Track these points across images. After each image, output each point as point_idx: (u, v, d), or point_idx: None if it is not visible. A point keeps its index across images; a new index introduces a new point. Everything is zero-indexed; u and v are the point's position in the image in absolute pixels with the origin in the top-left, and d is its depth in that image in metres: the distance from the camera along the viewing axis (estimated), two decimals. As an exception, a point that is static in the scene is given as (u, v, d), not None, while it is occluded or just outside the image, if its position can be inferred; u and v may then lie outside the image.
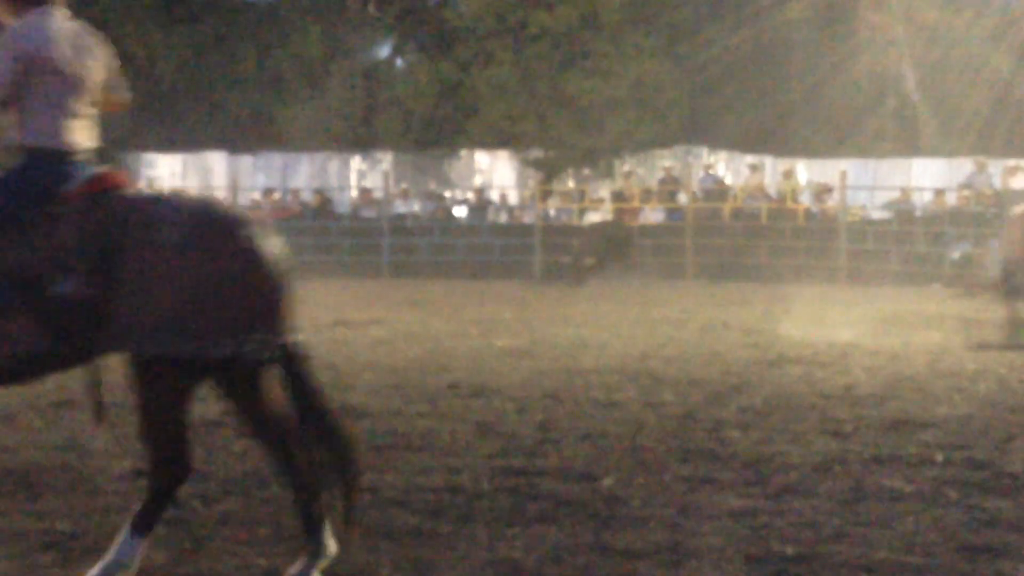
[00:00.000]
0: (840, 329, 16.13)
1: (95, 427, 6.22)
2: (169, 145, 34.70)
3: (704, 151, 32.26)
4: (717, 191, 30.03)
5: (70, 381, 11.78)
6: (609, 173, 32.42)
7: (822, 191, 28.82)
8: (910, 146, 31.71)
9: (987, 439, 8.94)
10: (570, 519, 6.89)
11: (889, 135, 31.66)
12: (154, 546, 6.39)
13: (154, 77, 35.64)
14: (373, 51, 37.85)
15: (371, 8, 36.44)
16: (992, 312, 16.37)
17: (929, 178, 29.96)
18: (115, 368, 12.35)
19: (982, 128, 30.63)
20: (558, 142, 32.33)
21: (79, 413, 10.10)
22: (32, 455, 8.49)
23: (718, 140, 32.24)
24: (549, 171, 32.82)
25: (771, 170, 30.79)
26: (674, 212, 29.55)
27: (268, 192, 33.08)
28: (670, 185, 30.66)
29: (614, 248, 25.14)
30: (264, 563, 6.11)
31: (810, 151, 31.37)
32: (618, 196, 30.45)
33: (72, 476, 7.87)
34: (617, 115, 32.15)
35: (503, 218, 31.92)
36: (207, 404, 10.39)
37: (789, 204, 28.77)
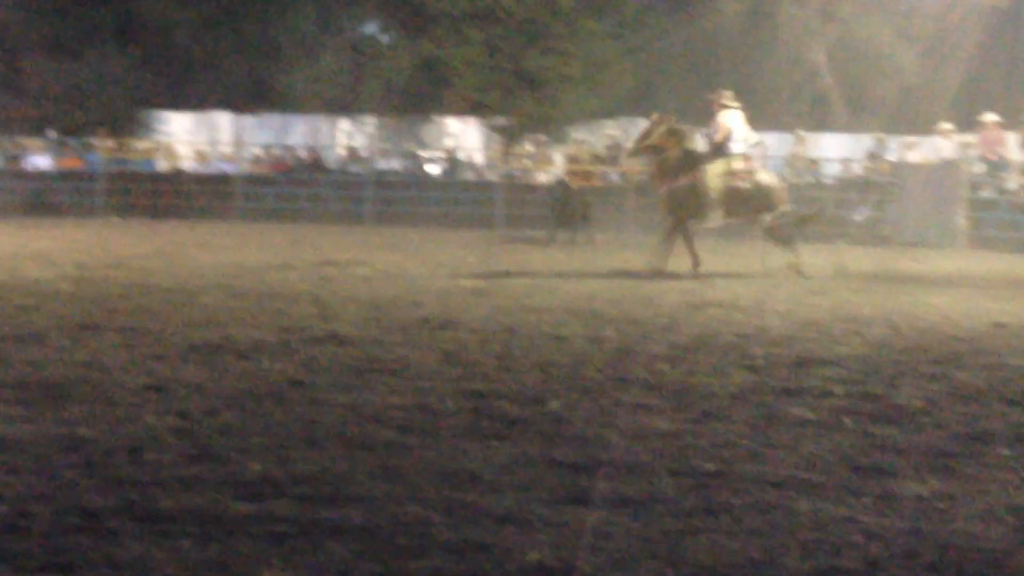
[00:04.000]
0: (755, 279, 16.19)
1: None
2: (181, 105, 34.43)
3: (644, 122, 32.21)
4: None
5: (93, 307, 11.78)
6: (562, 139, 32.36)
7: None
8: (822, 123, 31.76)
9: (879, 376, 9.00)
10: (522, 436, 6.92)
11: (804, 113, 31.70)
12: (163, 450, 6.40)
13: (169, 44, 35.30)
14: (361, 27, 37.58)
15: (360, -10, 36.15)
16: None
17: (837, 150, 30.02)
18: (131, 297, 12.33)
19: (883, 109, 30.74)
20: (519, 111, 32.27)
21: (101, 335, 10.08)
22: (58, 370, 8.47)
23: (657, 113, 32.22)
24: (510, 136, 32.77)
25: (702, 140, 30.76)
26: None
27: (267, 148, 32.91)
28: (614, 151, 30.65)
29: (570, 210, 24.98)
30: (258, 467, 6.11)
31: (737, 124, 31.37)
32: (571, 159, 30.42)
33: (93, 389, 7.85)
34: (570, 89, 32.16)
35: (470, 176, 31.86)
36: (209, 329, 10.42)
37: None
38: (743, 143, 17.13)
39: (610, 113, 32.23)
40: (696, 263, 16.56)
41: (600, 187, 28.89)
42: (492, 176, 30.97)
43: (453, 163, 32.16)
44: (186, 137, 33.84)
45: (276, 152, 32.63)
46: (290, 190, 30.34)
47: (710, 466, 6.35)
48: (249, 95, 35.30)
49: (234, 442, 6.61)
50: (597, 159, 30.46)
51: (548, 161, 30.91)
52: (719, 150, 16.92)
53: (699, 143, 17.33)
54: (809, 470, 6.33)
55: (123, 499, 5.53)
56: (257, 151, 32.84)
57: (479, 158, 33.08)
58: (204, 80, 35.55)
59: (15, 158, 31.74)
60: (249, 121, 34.47)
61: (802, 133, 28.90)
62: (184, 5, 35.63)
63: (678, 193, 16.77)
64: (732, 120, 17.14)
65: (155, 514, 5.36)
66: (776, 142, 29.48)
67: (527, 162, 31.25)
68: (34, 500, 5.48)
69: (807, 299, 13.90)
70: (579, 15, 32.16)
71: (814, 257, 17.28)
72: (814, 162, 28.75)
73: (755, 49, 32.74)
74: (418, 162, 32.42)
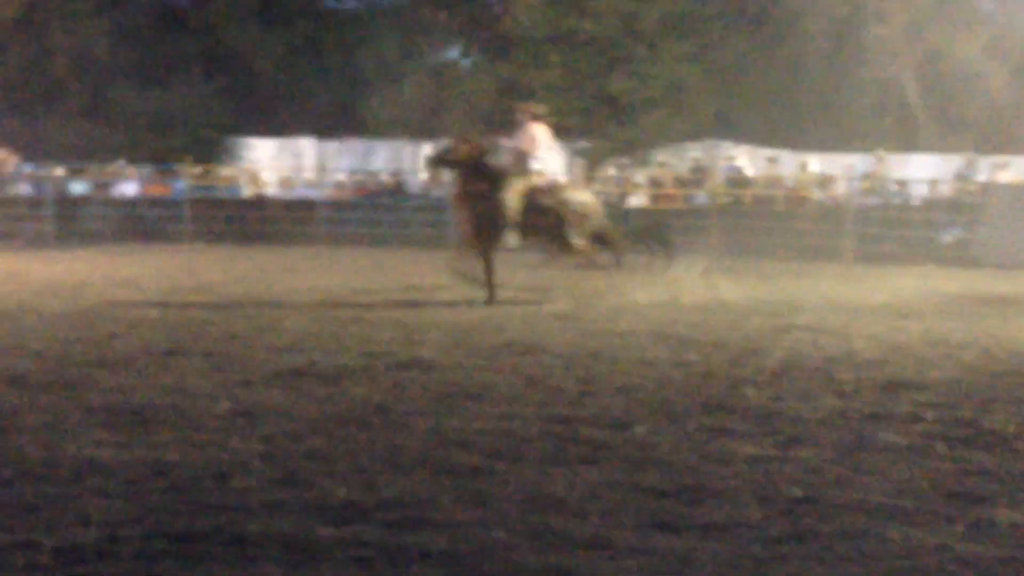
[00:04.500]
0: (845, 302, 16.05)
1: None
2: (265, 131, 34.82)
3: (728, 145, 32.08)
4: (738, 180, 29.94)
5: (180, 333, 11.92)
6: (645, 162, 32.31)
7: (828, 181, 28.73)
8: (909, 143, 31.46)
9: (972, 400, 8.88)
10: (607, 461, 6.90)
11: (890, 133, 31.42)
12: (249, 475, 6.44)
13: (254, 72, 35.76)
14: (443, 53, 37.85)
15: (442, 16, 36.40)
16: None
17: (925, 171, 29.71)
18: (217, 322, 12.44)
19: (972, 128, 30.40)
20: (601, 134, 32.27)
21: (187, 360, 10.19)
22: (146, 396, 8.56)
23: (740, 135, 32.10)
24: (593, 159, 32.77)
25: (787, 162, 30.55)
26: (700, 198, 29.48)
27: (350, 173, 33.18)
28: (698, 174, 30.61)
29: (651, 235, 24.92)
30: (343, 492, 6.14)
31: (821, 146, 31.16)
32: (653, 182, 30.42)
33: (180, 415, 7.93)
34: (652, 112, 32.09)
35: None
36: (294, 354, 10.49)
37: (802, 192, 28.62)
38: (547, 159, 16.25)
39: (693, 136, 32.14)
40: (492, 294, 15.30)
41: (684, 210, 28.80)
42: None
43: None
44: (270, 163, 34.19)
45: (359, 177, 32.87)
46: (373, 215, 30.53)
47: (798, 492, 6.30)
48: (332, 121, 35.65)
49: (319, 467, 6.65)
50: (680, 182, 30.38)
51: (631, 184, 30.88)
52: (521, 165, 15.98)
53: (504, 158, 16.27)
54: (899, 496, 6.26)
55: (210, 524, 5.58)
56: (340, 176, 33.11)
57: (561, 182, 33.10)
58: (288, 107, 35.97)
59: (103, 185, 32.23)
60: (332, 147, 34.76)
61: (882, 153, 28.67)
62: (269, 33, 36.13)
63: (480, 214, 15.59)
64: (538, 133, 16.26)
65: (242, 539, 5.40)
66: (861, 163, 29.31)
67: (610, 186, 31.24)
68: (123, 524, 5.55)
69: (896, 323, 13.75)
70: (661, 38, 32.12)
71: (902, 280, 17.06)
72: (901, 183, 28.45)
73: (840, 69, 32.55)
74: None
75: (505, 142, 16.19)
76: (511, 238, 15.78)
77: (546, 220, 15.71)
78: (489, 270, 15.52)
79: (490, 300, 15.17)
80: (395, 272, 20.43)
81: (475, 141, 15.90)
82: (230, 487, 6.24)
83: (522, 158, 15.93)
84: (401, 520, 5.71)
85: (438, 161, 16.28)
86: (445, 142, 16.35)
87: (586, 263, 16.01)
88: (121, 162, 32.21)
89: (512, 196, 15.59)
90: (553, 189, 16.02)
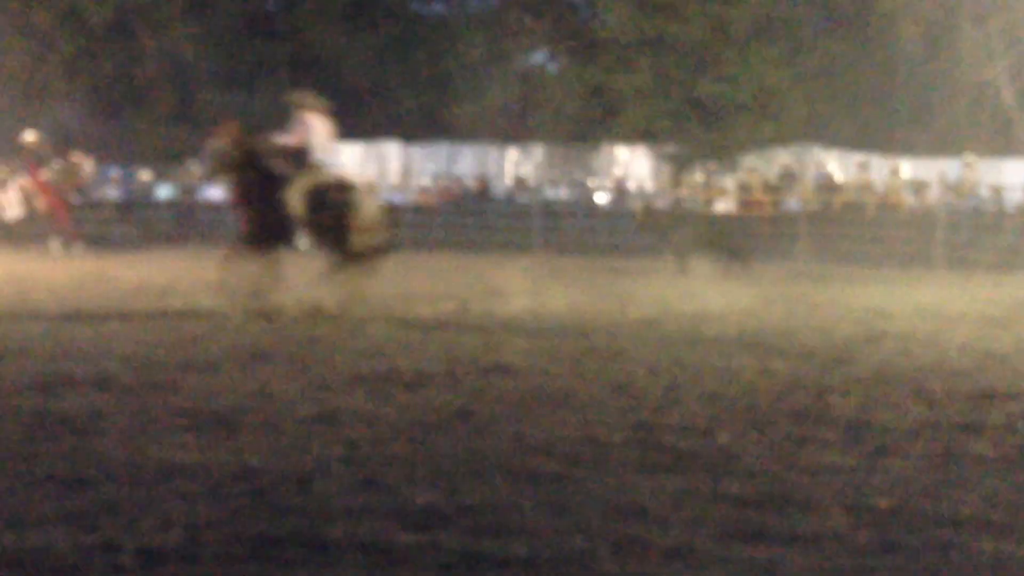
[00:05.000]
0: (936, 310, 15.86)
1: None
2: (350, 135, 35.04)
3: (818, 150, 31.81)
4: (828, 185, 29.70)
5: (264, 336, 12.03)
6: (733, 167, 32.12)
7: (921, 187, 28.41)
8: (1004, 148, 31.00)
9: (1066, 411, 8.74)
10: (690, 469, 6.87)
11: (984, 137, 30.99)
12: (330, 479, 6.49)
13: (340, 76, 36.01)
14: (529, 57, 37.90)
15: (528, 19, 36.45)
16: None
17: (1020, 176, 29.26)
18: (300, 326, 12.55)
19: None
20: (689, 139, 32.13)
21: (271, 364, 10.29)
22: (229, 399, 8.65)
23: (831, 140, 31.81)
24: (680, 164, 32.65)
25: (878, 168, 30.25)
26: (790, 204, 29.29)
27: (436, 178, 33.31)
28: (787, 180, 30.42)
29: (721, 241, 24.85)
30: (424, 498, 6.17)
31: (914, 151, 30.82)
32: (742, 188, 30.28)
33: (263, 418, 8.00)
34: (741, 116, 31.90)
35: (639, 204, 31.82)
36: (377, 359, 10.55)
37: (893, 198, 28.34)
38: (325, 153, 15.05)
39: (783, 140, 31.90)
40: (265, 306, 14.07)
41: (772, 216, 28.62)
42: (661, 205, 30.88)
43: (622, 192, 32.16)
44: (356, 167, 34.40)
45: (444, 182, 32.99)
46: (458, 219, 30.64)
47: (885, 503, 6.23)
48: (418, 125, 35.81)
49: (400, 472, 6.68)
50: (769, 188, 30.18)
51: (719, 190, 30.75)
52: (300, 162, 14.70)
53: (280, 154, 14.77)
54: (990, 509, 6.17)
55: (291, 527, 5.63)
56: (425, 181, 33.26)
57: (648, 187, 33.02)
58: (374, 111, 36.17)
59: (190, 190, 32.62)
60: (417, 151, 34.92)
61: (971, 158, 28.26)
62: (355, 37, 36.37)
63: (260, 216, 14.54)
64: (313, 126, 15.03)
65: (322, 543, 5.44)
66: (954, 168, 28.95)
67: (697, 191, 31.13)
68: (204, 526, 5.61)
69: (988, 331, 13.57)
70: (751, 41, 31.94)
71: (995, 288, 16.82)
72: (995, 188, 28.05)
73: (934, 72, 32.15)
74: (586, 191, 32.50)
75: (280, 138, 14.92)
76: (300, 240, 14.83)
77: (329, 218, 14.42)
78: (264, 276, 14.56)
79: (261, 310, 13.85)
80: (479, 277, 20.48)
81: (240, 136, 14.82)
82: (312, 491, 6.28)
83: (301, 154, 14.68)
84: (481, 526, 5.72)
85: (214, 168, 15.14)
86: (215, 143, 14.95)
87: (340, 270, 14.64)
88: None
89: (295, 195, 14.39)
90: (339, 186, 14.80)
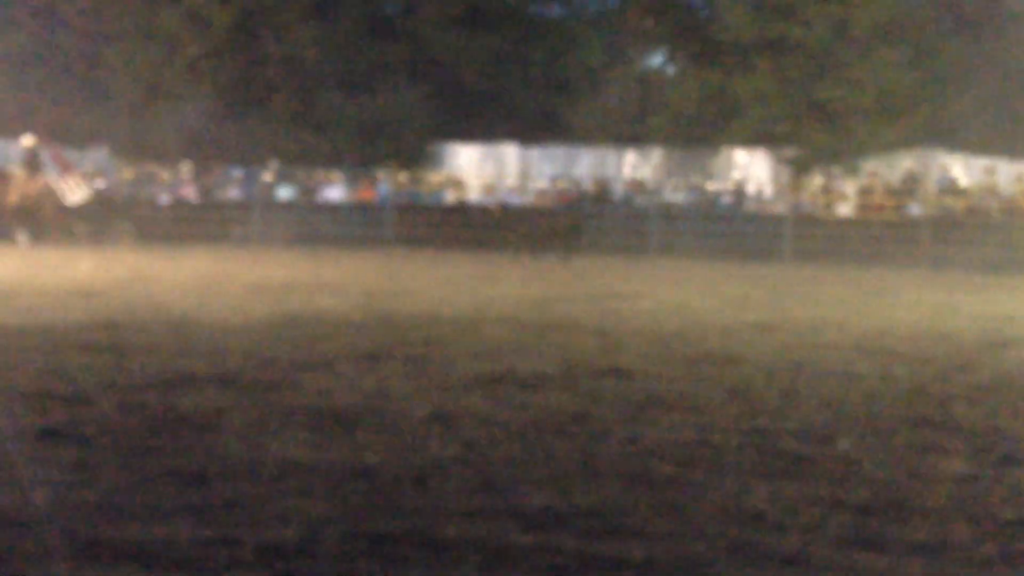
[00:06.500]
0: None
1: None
2: (469, 137, 35.22)
3: (941, 153, 31.33)
4: (952, 190, 29.24)
5: (381, 336, 12.13)
6: (854, 171, 31.75)
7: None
8: None
9: None
10: (808, 475, 6.80)
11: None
12: (446, 479, 6.52)
13: (458, 78, 36.21)
14: (648, 59, 37.80)
15: (648, 22, 36.36)
16: None
17: None
18: (417, 327, 12.64)
19: None
20: (809, 142, 31.83)
21: (388, 364, 10.37)
22: (347, 398, 8.73)
23: (955, 144, 31.30)
24: (800, 168, 32.34)
25: (1004, 172, 29.72)
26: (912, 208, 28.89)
27: (554, 180, 33.35)
28: (910, 184, 30.00)
29: (559, 236, 26.59)
30: (539, 499, 6.17)
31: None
32: (864, 192, 29.94)
33: (380, 418, 8.07)
34: (863, 120, 31.53)
35: (758, 208, 31.61)
36: (493, 360, 10.59)
37: (1018, 203, 27.80)
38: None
39: (905, 144, 31.46)
40: None
41: (894, 221, 28.26)
42: (780, 209, 30.62)
43: (740, 195, 31.95)
44: (474, 169, 34.57)
45: (562, 184, 33.03)
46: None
47: (1009, 513, 6.11)
48: (536, 127, 35.89)
49: (516, 473, 6.69)
50: (891, 192, 29.78)
51: (839, 194, 30.42)
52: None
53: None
54: (1118, 521, 6.03)
55: (408, 526, 5.66)
56: (543, 183, 33.31)
57: (767, 190, 32.77)
58: (492, 113, 36.33)
59: (310, 191, 33.01)
60: (536, 153, 34.99)
61: None
62: (474, 40, 36.56)
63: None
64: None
65: (438, 542, 5.47)
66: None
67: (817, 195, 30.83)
68: (322, 524, 5.66)
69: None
70: (873, 43, 31.55)
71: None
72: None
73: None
74: (704, 194, 32.34)
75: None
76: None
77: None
78: None
79: None
80: (596, 279, 20.47)
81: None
82: (428, 491, 6.32)
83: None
84: (596, 529, 5.71)
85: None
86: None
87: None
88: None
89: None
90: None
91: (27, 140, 27.27)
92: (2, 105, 30.91)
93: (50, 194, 27.04)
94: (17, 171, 27.33)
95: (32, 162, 27.21)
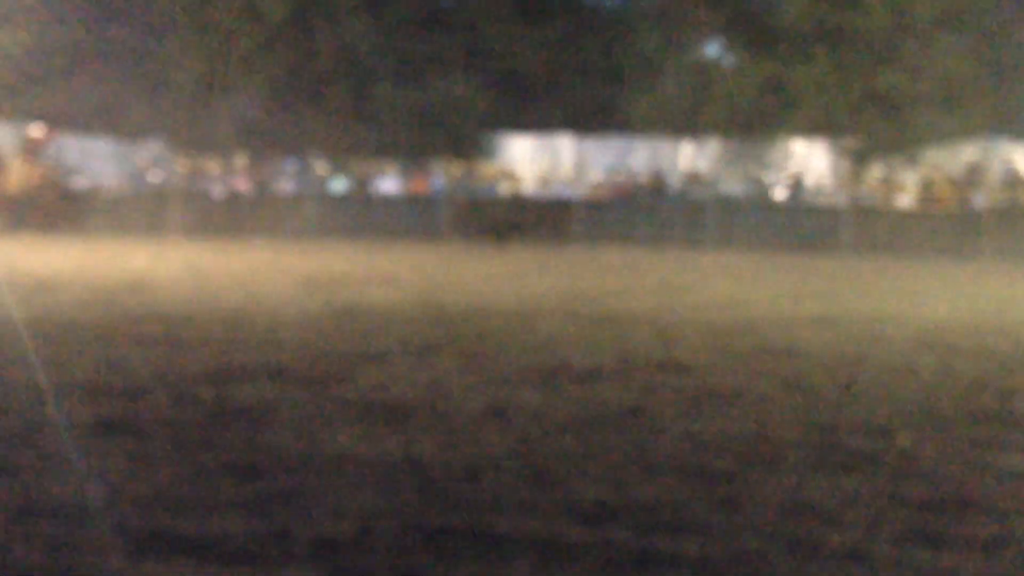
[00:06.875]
0: None
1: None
2: (523, 127, 35.21)
3: (1005, 144, 31.03)
4: (1016, 181, 28.96)
5: (435, 329, 12.17)
6: (915, 162, 31.51)
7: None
8: None
9: None
10: (867, 470, 6.76)
11: None
12: (501, 473, 6.53)
13: (513, 69, 36.20)
14: (704, 49, 37.65)
15: (704, 11, 36.21)
16: None
17: None
18: (471, 320, 12.67)
19: None
20: (868, 133, 31.60)
21: (442, 357, 10.40)
22: (401, 391, 8.76)
23: (1020, 133, 30.98)
24: (859, 159, 32.12)
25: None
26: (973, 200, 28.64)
27: (609, 172, 33.30)
28: (972, 175, 29.75)
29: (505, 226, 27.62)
30: (594, 493, 6.17)
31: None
32: (925, 183, 29.72)
33: (434, 411, 8.09)
34: (924, 109, 31.26)
35: (816, 200, 31.42)
36: (547, 354, 10.59)
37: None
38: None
39: (968, 134, 31.18)
40: None
41: (955, 213, 28.03)
42: (839, 200, 30.44)
43: (798, 187, 31.78)
44: (528, 160, 34.57)
45: (617, 176, 32.98)
46: (630, 214, 30.59)
47: (1073, 509, 6.06)
48: (591, 118, 35.84)
49: (571, 467, 6.69)
50: (953, 183, 29.54)
51: (899, 185, 30.20)
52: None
53: None
54: None
55: (462, 520, 5.68)
56: (598, 175, 33.27)
57: (825, 182, 32.58)
58: (547, 103, 36.30)
59: (363, 183, 33.12)
60: (591, 144, 34.94)
61: None
62: (529, 30, 36.53)
63: None
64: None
65: (493, 536, 5.48)
66: None
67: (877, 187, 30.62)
68: (376, 517, 5.69)
69: None
70: (934, 31, 31.27)
71: None
72: None
73: None
74: (761, 185, 32.19)
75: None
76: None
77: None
78: None
79: None
80: (652, 272, 20.42)
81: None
82: (482, 484, 6.33)
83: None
84: (652, 523, 5.70)
85: None
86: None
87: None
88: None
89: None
90: None
91: (36, 131, 27.61)
92: (55, 97, 31.20)
93: (51, 184, 27.47)
94: (15, 159, 27.77)
95: (35, 151, 27.62)
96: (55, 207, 27.43)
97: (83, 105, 30.89)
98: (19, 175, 27.38)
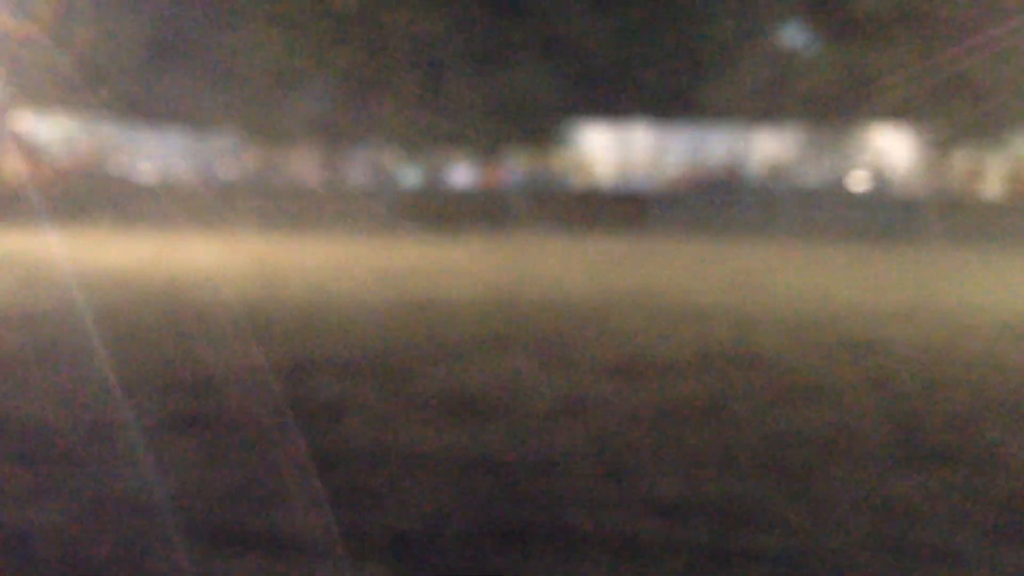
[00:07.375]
0: None
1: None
2: (598, 116, 35.16)
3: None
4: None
5: (508, 323, 12.16)
6: (1002, 148, 31.13)
7: None
8: None
9: None
10: (953, 465, 6.69)
11: None
12: (576, 468, 6.52)
13: (587, 57, 36.12)
14: (782, 34, 37.38)
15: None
16: None
17: None
18: (544, 313, 12.61)
19: None
20: (952, 120, 31.26)
21: (516, 351, 10.39)
22: (474, 386, 8.77)
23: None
24: (943, 147, 31.78)
25: None
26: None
27: (684, 161, 33.19)
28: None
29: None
30: (671, 488, 6.15)
31: None
32: (1014, 173, 29.36)
33: (506, 405, 8.09)
34: (1013, 95, 30.86)
35: (897, 191, 31.14)
36: (624, 347, 10.55)
37: None
38: None
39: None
40: None
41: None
42: (922, 190, 30.15)
43: (879, 176, 31.50)
44: (603, 150, 34.51)
45: (693, 166, 32.86)
46: (707, 204, 30.46)
47: None
48: (667, 105, 35.73)
49: (648, 463, 6.67)
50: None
51: (985, 173, 29.86)
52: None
53: None
54: None
55: (536, 516, 5.68)
56: (674, 163, 33.17)
57: (907, 171, 32.27)
58: (622, 91, 36.22)
59: (435, 174, 33.22)
60: (665, 132, 34.83)
61: None
62: (603, 17, 36.47)
63: None
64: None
65: (567, 532, 5.47)
66: None
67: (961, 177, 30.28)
68: (449, 513, 5.70)
69: None
70: (1022, 11, 30.85)
71: None
72: None
73: None
74: (841, 175, 31.94)
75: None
76: None
77: None
78: None
79: None
80: (730, 263, 20.31)
81: None
82: (558, 480, 6.32)
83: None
84: (731, 520, 5.67)
85: None
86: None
87: None
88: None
89: None
90: None
91: (18, 122, 28.18)
92: (128, 90, 31.53)
93: (51, 170, 27.98)
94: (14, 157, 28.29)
95: (28, 143, 28.11)
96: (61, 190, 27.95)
97: (155, 98, 31.19)
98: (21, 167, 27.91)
